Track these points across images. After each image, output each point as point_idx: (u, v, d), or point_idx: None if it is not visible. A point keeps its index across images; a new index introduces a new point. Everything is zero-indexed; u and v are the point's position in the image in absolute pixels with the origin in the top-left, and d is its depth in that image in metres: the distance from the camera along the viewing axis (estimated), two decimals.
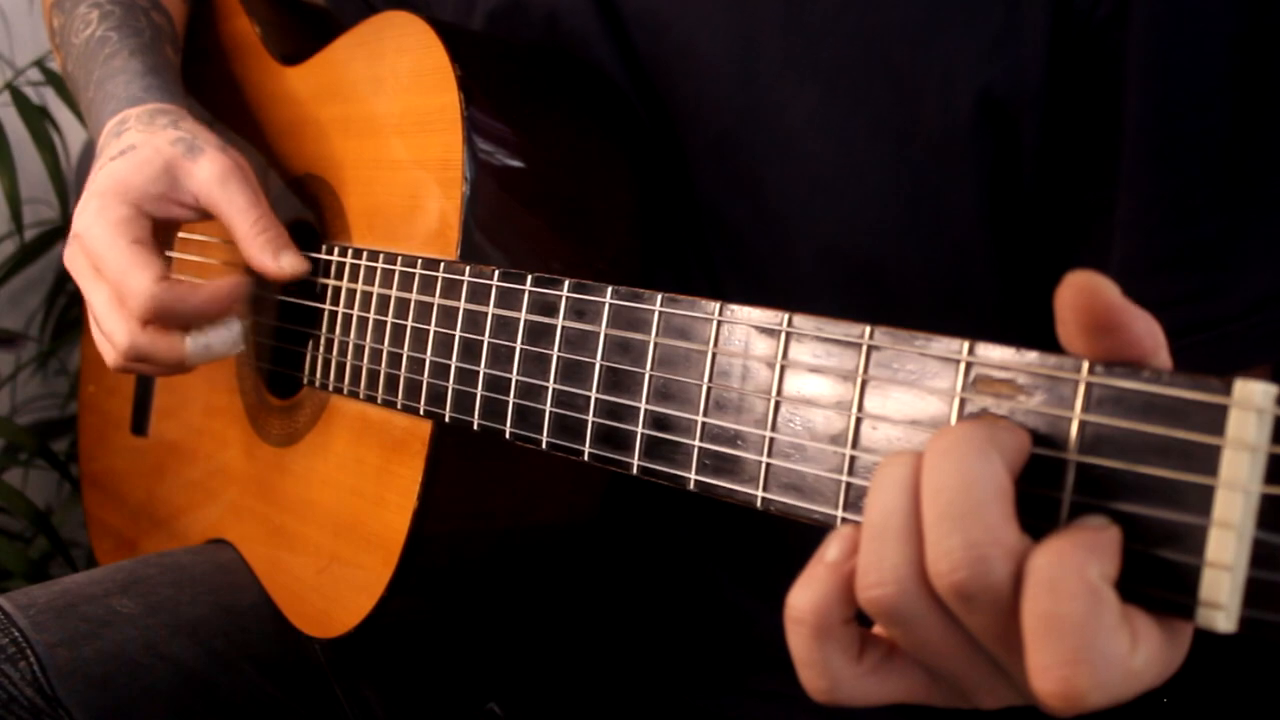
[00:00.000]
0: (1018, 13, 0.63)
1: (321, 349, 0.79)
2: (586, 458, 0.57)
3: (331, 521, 0.78)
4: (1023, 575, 0.37)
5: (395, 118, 0.76)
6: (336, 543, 0.77)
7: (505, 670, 0.89)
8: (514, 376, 0.61)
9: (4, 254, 1.62)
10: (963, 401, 0.42)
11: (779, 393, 0.48)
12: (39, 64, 1.59)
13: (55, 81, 1.58)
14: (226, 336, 0.77)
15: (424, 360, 0.68)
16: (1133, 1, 0.60)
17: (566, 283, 0.58)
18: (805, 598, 0.42)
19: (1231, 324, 0.60)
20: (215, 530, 0.91)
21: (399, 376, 0.70)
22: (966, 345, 0.42)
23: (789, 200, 0.70)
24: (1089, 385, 0.38)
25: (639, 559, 0.81)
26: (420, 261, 0.69)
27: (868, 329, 0.45)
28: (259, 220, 0.77)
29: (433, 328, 0.67)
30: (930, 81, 0.65)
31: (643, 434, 0.54)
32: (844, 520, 0.45)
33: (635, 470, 0.54)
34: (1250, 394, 0.35)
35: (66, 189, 1.56)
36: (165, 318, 0.75)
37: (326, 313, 0.79)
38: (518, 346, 0.61)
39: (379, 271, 0.73)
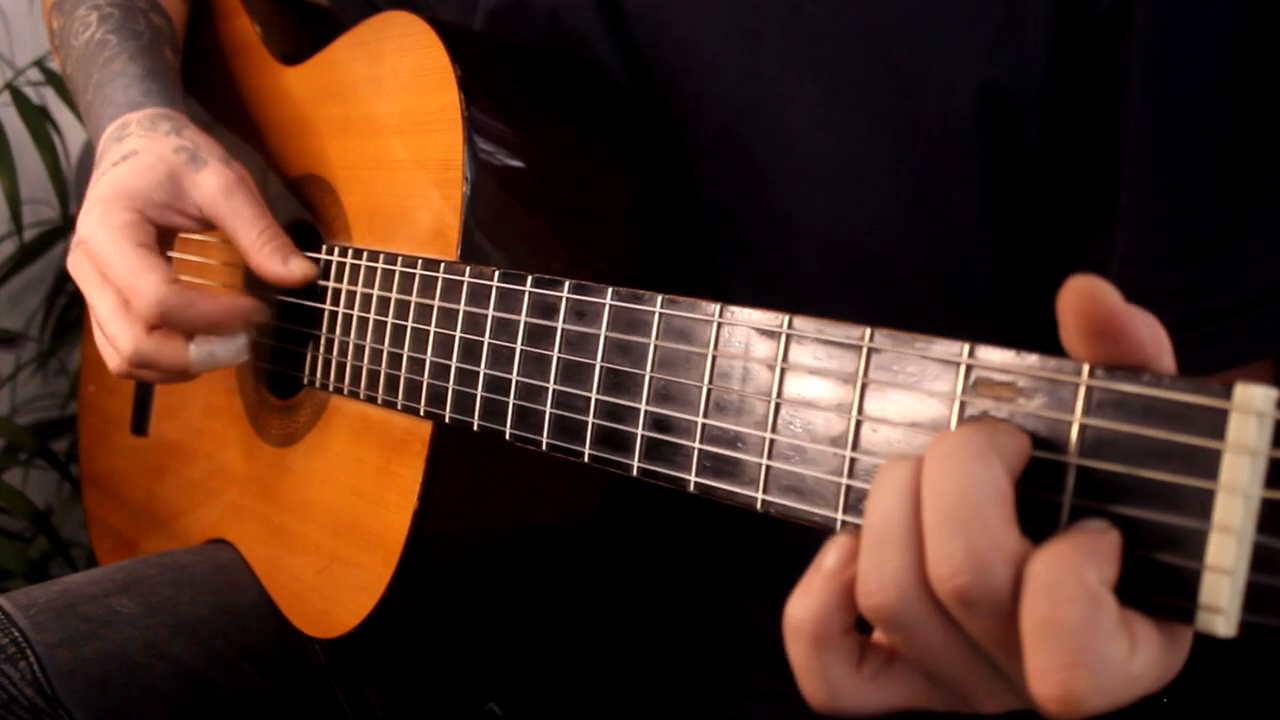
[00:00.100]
0: (1019, 8, 0.63)
1: (321, 349, 0.79)
2: (586, 459, 0.57)
3: (331, 521, 0.78)
4: (1021, 580, 0.37)
5: (395, 118, 0.76)
6: (337, 543, 0.77)
7: (505, 670, 0.89)
8: (514, 377, 0.61)
9: (4, 254, 1.62)
10: (963, 404, 0.42)
11: (779, 395, 0.48)
12: (39, 64, 1.59)
13: (55, 81, 1.58)
14: (231, 346, 0.78)
15: (424, 361, 0.68)
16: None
17: (566, 284, 0.58)
18: (803, 607, 0.42)
19: (1232, 319, 0.60)
20: (215, 530, 0.91)
21: (399, 377, 0.70)
22: (966, 348, 0.42)
23: (790, 198, 0.70)
24: (1089, 388, 0.38)
25: (639, 559, 0.81)
26: (420, 262, 0.69)
27: (868, 331, 0.45)
28: (265, 231, 0.78)
29: (433, 328, 0.67)
30: (932, 77, 0.65)
31: (643, 436, 0.53)
32: (844, 523, 0.45)
33: (635, 472, 0.54)
34: (1251, 398, 0.35)
35: (66, 189, 1.56)
36: (172, 321, 0.75)
37: (326, 313, 0.79)
38: (518, 347, 0.61)
39: (379, 272, 0.73)
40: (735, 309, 0.50)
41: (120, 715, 0.76)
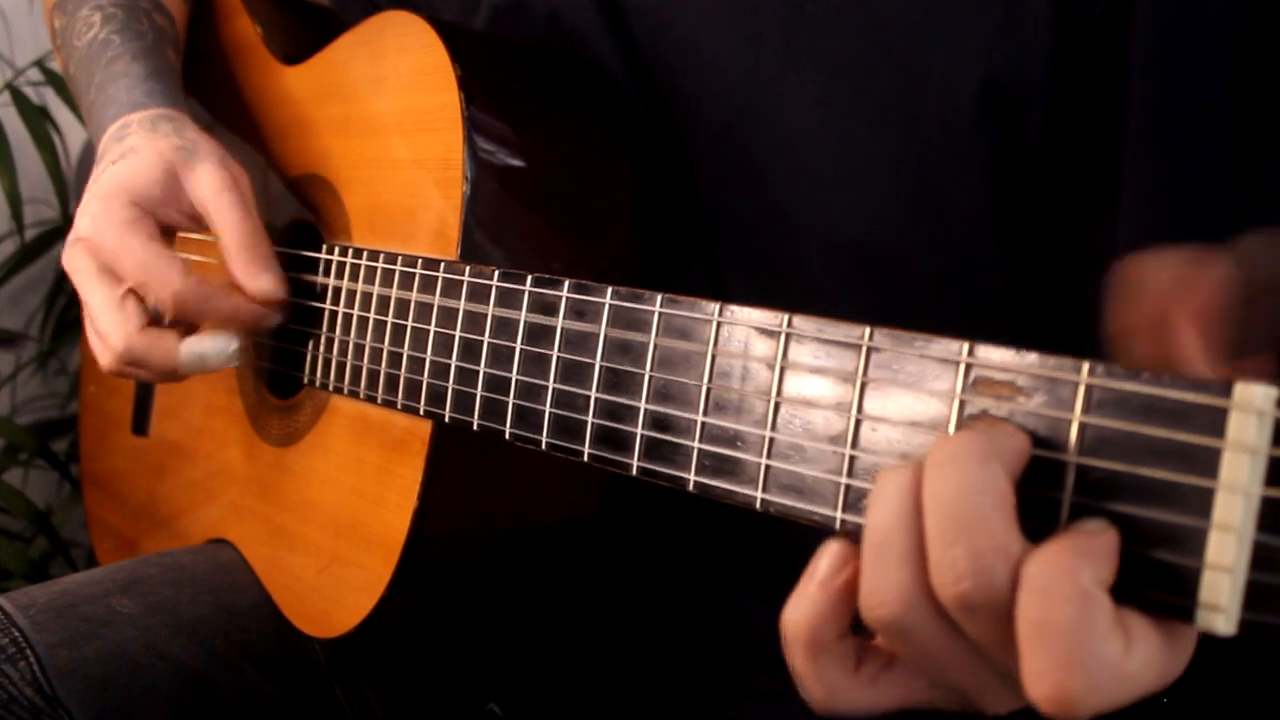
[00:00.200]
0: (1019, 6, 0.63)
1: (322, 348, 0.79)
2: (586, 458, 0.57)
3: (332, 521, 0.78)
4: (1017, 582, 0.37)
5: (396, 117, 0.76)
6: (337, 542, 0.77)
7: (505, 670, 0.89)
8: (514, 376, 0.61)
9: (4, 254, 1.62)
10: (962, 403, 0.42)
11: (779, 394, 0.48)
12: (39, 64, 1.59)
13: (55, 81, 1.58)
14: (223, 350, 0.78)
15: (424, 360, 0.68)
16: None
17: (566, 283, 0.58)
18: (798, 614, 0.42)
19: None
20: (216, 530, 0.91)
21: (399, 376, 0.70)
22: (966, 347, 0.42)
23: (791, 197, 0.70)
24: (1089, 387, 0.38)
25: (639, 559, 0.81)
26: (420, 261, 0.69)
27: (867, 330, 0.45)
28: (245, 236, 0.77)
29: (433, 327, 0.67)
30: (933, 73, 0.65)
31: (642, 435, 0.53)
32: (843, 521, 0.45)
33: (635, 471, 0.54)
34: (1250, 396, 0.35)
35: (66, 189, 1.56)
36: (188, 313, 0.75)
37: (327, 312, 0.79)
38: (517, 347, 0.61)
39: (379, 271, 0.73)
40: (735, 308, 0.50)
41: (120, 715, 0.76)
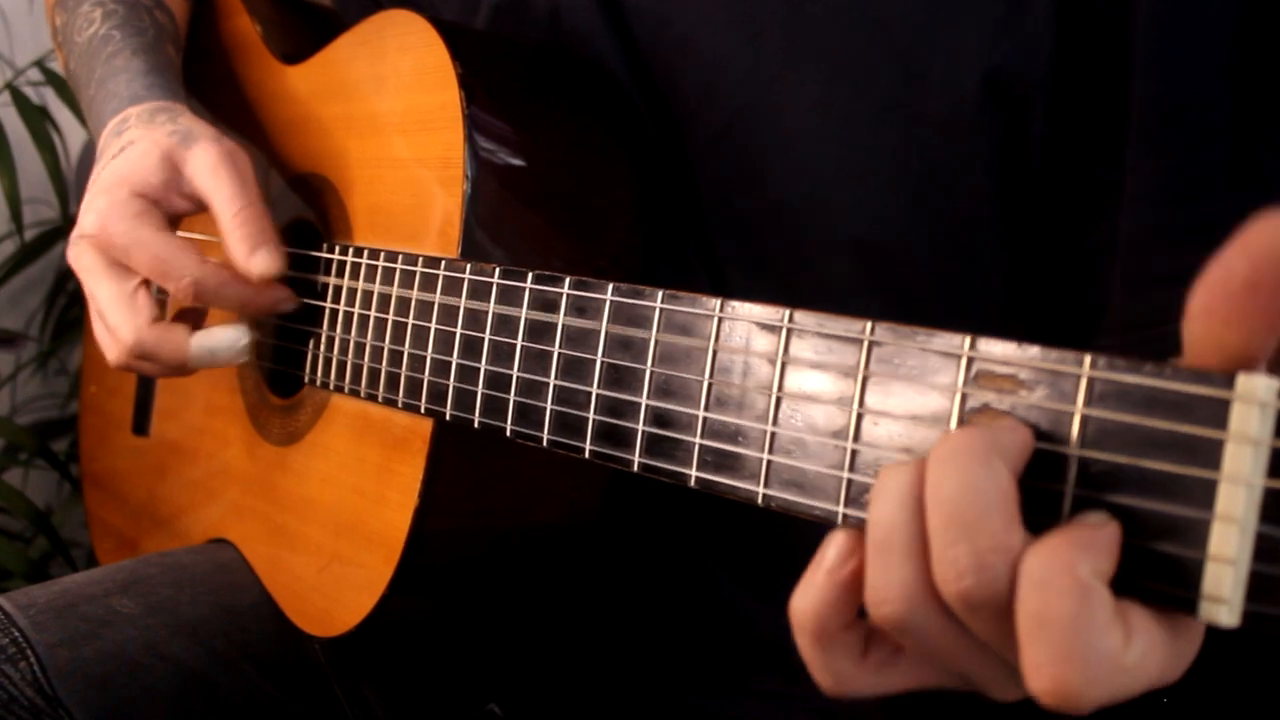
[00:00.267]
0: (1020, 1, 0.63)
1: (323, 347, 0.79)
2: (587, 455, 0.57)
3: (333, 520, 0.78)
4: (1017, 576, 0.37)
5: (397, 116, 0.76)
6: (338, 541, 0.77)
7: (505, 670, 0.89)
8: (515, 374, 0.61)
9: (4, 254, 1.62)
10: (964, 397, 0.42)
11: (780, 389, 0.48)
12: (39, 64, 1.59)
13: (55, 81, 1.58)
14: (234, 344, 0.77)
15: (425, 358, 0.68)
16: None
17: (567, 280, 0.58)
18: (804, 604, 0.42)
19: None
20: (216, 530, 0.91)
21: (400, 374, 0.70)
22: (968, 340, 0.42)
23: (793, 194, 0.70)
24: (1091, 380, 0.38)
25: (639, 558, 0.81)
26: (421, 260, 0.69)
27: (868, 325, 0.45)
28: (242, 211, 0.75)
29: (434, 325, 0.67)
30: (936, 66, 0.65)
31: (643, 431, 0.53)
32: (845, 516, 0.45)
33: (636, 467, 0.54)
34: (1253, 388, 0.35)
35: (66, 189, 1.56)
36: (205, 299, 0.75)
37: (328, 311, 0.79)
38: (518, 344, 0.61)
39: (380, 270, 0.73)
40: (736, 304, 0.50)
41: (120, 715, 0.76)
